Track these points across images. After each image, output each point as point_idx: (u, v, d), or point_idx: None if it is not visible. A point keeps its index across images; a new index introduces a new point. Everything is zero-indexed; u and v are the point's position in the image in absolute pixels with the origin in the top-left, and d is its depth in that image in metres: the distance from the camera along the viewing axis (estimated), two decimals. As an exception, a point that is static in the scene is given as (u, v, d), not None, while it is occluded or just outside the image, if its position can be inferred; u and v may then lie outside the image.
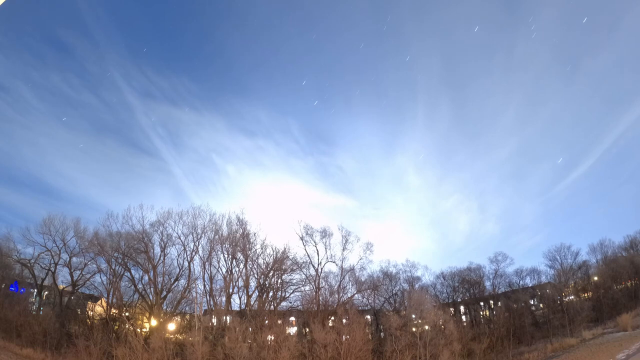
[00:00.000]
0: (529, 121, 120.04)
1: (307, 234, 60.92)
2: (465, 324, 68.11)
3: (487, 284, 71.29)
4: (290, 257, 59.62)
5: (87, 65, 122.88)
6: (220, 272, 56.62)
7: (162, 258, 54.97)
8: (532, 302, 71.79)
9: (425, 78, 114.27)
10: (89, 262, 56.25)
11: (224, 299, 55.59)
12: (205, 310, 55.30)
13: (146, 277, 54.45)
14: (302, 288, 59.77)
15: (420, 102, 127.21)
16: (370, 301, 64.56)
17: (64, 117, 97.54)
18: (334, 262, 60.74)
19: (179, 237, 56.04)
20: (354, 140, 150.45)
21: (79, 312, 58.32)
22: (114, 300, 54.31)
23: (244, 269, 56.87)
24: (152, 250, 54.92)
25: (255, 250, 58.44)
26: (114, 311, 54.08)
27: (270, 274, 57.73)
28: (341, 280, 60.26)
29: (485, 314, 72.17)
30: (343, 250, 60.87)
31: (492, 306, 71.24)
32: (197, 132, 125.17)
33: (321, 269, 60.21)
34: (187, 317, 56.60)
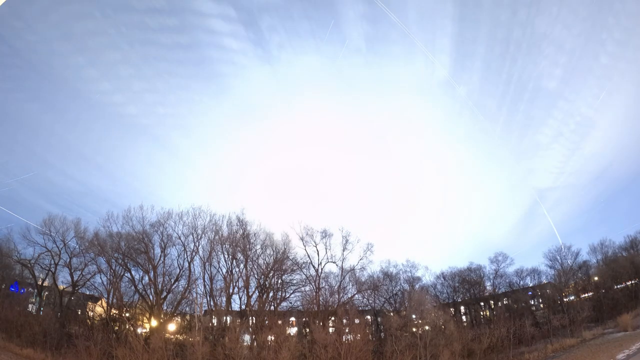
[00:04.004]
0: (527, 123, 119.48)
1: (307, 234, 61.04)
2: (465, 324, 68.12)
3: (488, 284, 71.39)
4: (291, 258, 59.82)
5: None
6: (221, 272, 56.77)
7: (162, 258, 55.15)
8: (532, 302, 71.78)
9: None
10: (89, 263, 56.34)
11: (224, 299, 55.68)
12: (206, 311, 55.36)
13: (146, 278, 54.60)
14: (303, 288, 59.96)
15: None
16: (370, 301, 64.66)
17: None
18: (334, 262, 60.90)
19: (179, 238, 56.28)
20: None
21: (79, 313, 58.32)
22: (114, 300, 54.35)
23: (244, 269, 56.97)
24: (152, 251, 55.09)
25: (256, 250, 58.66)
26: (114, 311, 54.12)
27: (271, 274, 57.79)
28: (341, 281, 60.41)
29: (486, 314, 72.19)
30: (343, 250, 61.03)
31: (493, 306, 71.27)
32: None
33: (321, 269, 60.38)
34: (188, 317, 56.65)
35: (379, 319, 64.26)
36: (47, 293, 58.84)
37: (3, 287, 55.02)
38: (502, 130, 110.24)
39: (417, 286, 66.22)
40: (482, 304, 72.60)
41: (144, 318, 54.84)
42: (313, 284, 59.73)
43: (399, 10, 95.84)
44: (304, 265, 60.02)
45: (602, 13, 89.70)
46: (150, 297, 54.06)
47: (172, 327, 53.85)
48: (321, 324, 54.43)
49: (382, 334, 59.74)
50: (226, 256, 57.13)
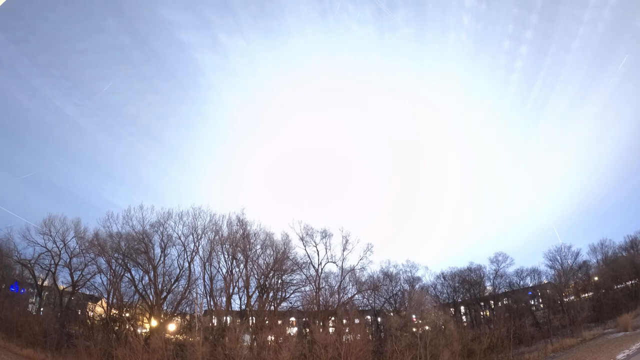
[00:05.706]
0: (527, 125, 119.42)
1: (307, 234, 61.06)
2: (465, 324, 68.07)
3: (488, 284, 71.25)
4: (291, 258, 59.80)
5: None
6: (221, 272, 56.79)
7: (162, 258, 55.17)
8: (532, 302, 71.75)
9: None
10: (89, 263, 56.23)
11: (224, 299, 55.68)
12: (206, 311, 55.37)
13: (146, 278, 54.59)
14: (303, 288, 59.95)
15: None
16: (370, 301, 64.64)
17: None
18: (334, 262, 60.92)
19: (179, 238, 56.33)
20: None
21: (79, 313, 58.29)
22: (114, 300, 54.31)
23: (244, 270, 56.96)
24: (152, 251, 55.11)
25: (256, 250, 58.65)
26: (114, 312, 54.08)
27: (271, 274, 57.78)
28: (341, 281, 60.40)
29: (486, 314, 72.14)
30: (343, 250, 61.04)
31: (493, 306, 71.22)
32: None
33: (321, 269, 60.40)
34: (188, 317, 56.68)
35: (379, 319, 64.27)
36: (47, 293, 58.81)
37: (3, 287, 54.98)
38: (502, 130, 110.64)
39: (417, 286, 66.26)
40: (482, 304, 72.51)
41: (144, 318, 54.83)
42: (313, 284, 59.77)
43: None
44: (304, 265, 60.13)
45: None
46: (150, 297, 54.05)
47: (172, 327, 53.85)
48: (321, 324, 54.47)
49: (382, 334, 59.77)
50: (226, 256, 57.23)
